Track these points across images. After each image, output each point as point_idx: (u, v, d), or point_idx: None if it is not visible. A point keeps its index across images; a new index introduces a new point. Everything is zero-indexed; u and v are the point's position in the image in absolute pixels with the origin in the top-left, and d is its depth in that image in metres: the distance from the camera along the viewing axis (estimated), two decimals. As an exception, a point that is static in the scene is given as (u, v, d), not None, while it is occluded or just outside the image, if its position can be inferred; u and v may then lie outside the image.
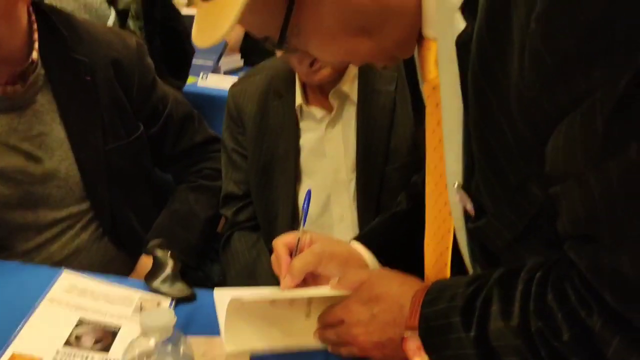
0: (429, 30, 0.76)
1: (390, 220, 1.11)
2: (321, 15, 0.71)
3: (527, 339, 0.63)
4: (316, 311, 0.93)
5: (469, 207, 0.72)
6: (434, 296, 0.75)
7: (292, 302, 0.92)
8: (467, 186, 0.72)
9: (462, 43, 0.65)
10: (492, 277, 0.70)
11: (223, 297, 1.00)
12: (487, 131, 0.65)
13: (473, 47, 0.63)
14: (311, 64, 1.16)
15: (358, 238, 1.05)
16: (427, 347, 0.74)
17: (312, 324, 0.93)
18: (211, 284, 1.54)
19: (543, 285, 0.63)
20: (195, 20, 0.76)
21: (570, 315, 0.59)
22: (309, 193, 1.05)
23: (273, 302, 0.91)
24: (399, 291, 0.82)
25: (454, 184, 0.74)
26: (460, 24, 0.67)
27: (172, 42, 2.10)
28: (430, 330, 0.73)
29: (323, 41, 0.75)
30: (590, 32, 0.51)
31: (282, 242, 0.98)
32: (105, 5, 2.01)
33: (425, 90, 0.83)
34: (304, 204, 1.03)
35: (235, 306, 0.87)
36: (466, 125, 0.69)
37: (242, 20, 0.69)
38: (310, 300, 0.93)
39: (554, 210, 0.61)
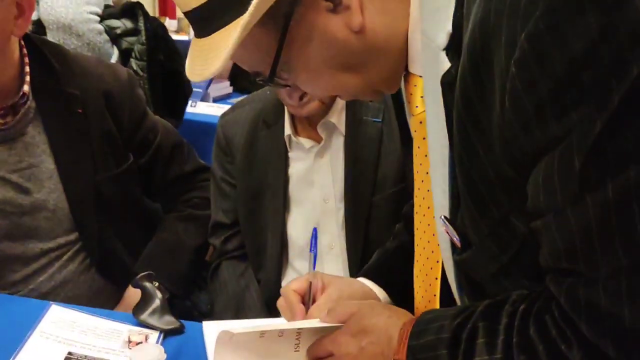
0: (414, 68, 0.79)
1: (393, 254, 1.12)
2: (309, 52, 0.73)
3: None
4: (305, 344, 0.93)
5: (455, 239, 0.74)
6: (421, 328, 0.76)
7: (281, 334, 0.92)
8: (454, 219, 0.73)
9: (447, 83, 0.67)
10: (478, 310, 0.71)
11: (212, 330, 1.00)
12: (471, 167, 0.67)
13: (457, 87, 0.65)
14: (301, 98, 1.19)
15: (365, 274, 1.05)
16: None
17: (301, 356, 0.93)
18: (199, 313, 1.54)
19: (526, 319, 0.65)
20: (189, 55, 0.78)
21: (551, 348, 0.61)
22: (314, 232, 1.05)
23: (262, 335, 0.91)
24: (388, 323, 0.82)
25: (441, 216, 0.76)
26: (445, 64, 0.69)
27: (172, 83, 2.12)
28: None
29: (311, 77, 0.77)
30: (563, 80, 0.54)
31: (292, 289, 0.97)
32: (108, 44, 2.04)
33: (413, 124, 0.85)
34: (310, 245, 1.02)
35: (225, 339, 0.87)
36: (451, 159, 0.71)
37: (234, 56, 0.71)
38: (299, 333, 0.93)
39: (536, 244, 0.63)
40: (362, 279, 1.03)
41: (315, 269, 1.00)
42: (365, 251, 1.33)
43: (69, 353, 0.94)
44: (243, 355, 0.90)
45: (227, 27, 0.70)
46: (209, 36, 0.72)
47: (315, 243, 1.03)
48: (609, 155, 0.54)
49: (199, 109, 2.60)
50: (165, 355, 0.69)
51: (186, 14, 0.74)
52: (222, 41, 0.70)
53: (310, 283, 0.95)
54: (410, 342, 0.75)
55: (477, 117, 0.64)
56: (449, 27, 0.68)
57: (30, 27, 1.92)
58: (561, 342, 0.60)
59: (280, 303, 0.98)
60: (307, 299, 0.95)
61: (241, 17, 0.67)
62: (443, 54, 0.69)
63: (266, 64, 0.74)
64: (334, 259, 1.37)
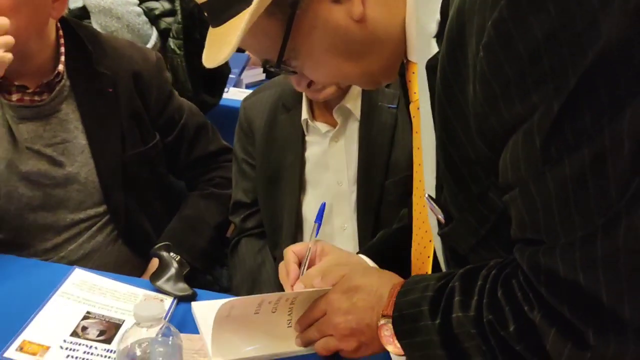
0: (412, 55, 0.83)
1: (393, 234, 1.17)
2: (313, 40, 0.79)
3: (480, 328, 0.69)
4: (297, 319, 0.98)
5: (440, 216, 0.78)
6: (409, 288, 0.81)
7: (274, 310, 0.97)
8: (438, 197, 0.78)
9: (430, 67, 0.72)
10: (459, 272, 0.76)
11: (201, 309, 1.06)
12: (450, 146, 0.71)
13: (438, 70, 0.70)
14: (309, 85, 1.23)
15: (363, 251, 1.11)
16: (399, 334, 0.80)
17: (293, 332, 0.98)
18: (219, 288, 1.61)
19: (495, 282, 0.70)
20: (206, 43, 0.85)
21: (515, 309, 0.66)
22: (323, 205, 1.11)
23: (257, 312, 0.95)
24: (378, 282, 0.88)
25: (426, 195, 0.80)
26: (434, 50, 0.73)
27: None
28: (402, 318, 0.79)
29: (315, 64, 0.83)
30: (525, 63, 0.58)
31: (292, 251, 1.04)
32: (147, 25, 2.11)
33: (412, 110, 0.90)
34: (317, 216, 1.08)
35: (223, 315, 0.92)
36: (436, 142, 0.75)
37: (245, 44, 0.77)
38: (291, 309, 0.98)
39: (510, 218, 0.68)
40: (361, 255, 1.08)
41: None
42: (376, 233, 1.36)
43: (87, 312, 1.02)
44: (238, 331, 0.95)
45: (237, 16, 0.76)
46: (222, 25, 0.79)
47: (321, 215, 1.07)
48: (566, 135, 0.58)
49: (231, 94, 2.67)
50: (165, 311, 0.75)
51: (202, 4, 0.81)
52: (232, 30, 0.76)
53: (310, 248, 1.01)
54: (398, 299, 0.81)
55: (455, 99, 0.68)
56: (438, 15, 0.73)
57: (76, 12, 2.05)
58: (524, 303, 0.65)
59: (280, 264, 1.04)
60: (304, 262, 1.01)
61: (249, 7, 0.73)
62: (434, 41, 0.74)
63: (274, 52, 0.80)
64: (345, 240, 1.42)
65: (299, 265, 1.03)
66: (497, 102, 0.61)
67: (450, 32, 0.67)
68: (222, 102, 2.54)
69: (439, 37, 0.73)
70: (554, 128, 0.58)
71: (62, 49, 1.36)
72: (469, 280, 0.73)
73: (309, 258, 1.02)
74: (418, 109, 0.85)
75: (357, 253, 1.11)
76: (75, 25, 1.40)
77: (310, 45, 0.79)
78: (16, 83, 1.33)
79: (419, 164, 0.91)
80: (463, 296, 0.72)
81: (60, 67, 1.35)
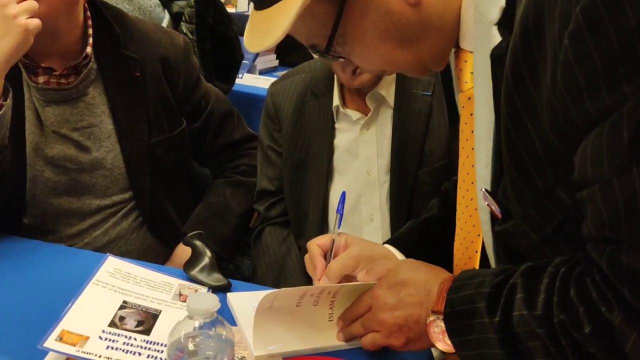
0: (466, 43, 0.80)
1: (421, 225, 1.15)
2: (365, 25, 0.76)
3: (550, 328, 0.67)
4: (338, 312, 0.97)
5: (496, 210, 0.76)
6: (461, 283, 0.79)
7: (316, 303, 0.95)
8: (494, 191, 0.76)
9: (496, 56, 0.69)
10: (520, 269, 0.73)
11: (238, 300, 1.04)
12: (517, 140, 0.69)
13: (507, 60, 0.67)
14: (353, 71, 1.21)
15: (390, 241, 1.09)
16: (451, 331, 0.77)
17: (334, 326, 0.97)
18: (241, 277, 1.59)
19: (566, 281, 0.67)
20: (247, 27, 0.81)
21: (591, 309, 0.63)
22: (343, 195, 1.09)
23: (299, 304, 0.94)
24: (426, 277, 0.86)
25: (482, 189, 0.78)
26: (496, 38, 0.71)
27: (222, 47, 2.16)
28: (455, 315, 0.77)
29: (365, 50, 0.80)
30: (618, 51, 0.56)
31: (316, 244, 1.02)
32: (159, 8, 2.09)
33: (461, 100, 0.87)
34: (338, 206, 1.07)
35: (265, 306, 0.90)
36: (497, 134, 0.73)
37: (291, 29, 0.74)
38: (332, 302, 0.96)
39: (580, 215, 0.65)
40: (387, 246, 1.06)
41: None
42: (409, 224, 1.35)
43: (124, 302, 1.00)
44: (280, 324, 0.94)
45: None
46: (268, 8, 0.76)
47: (343, 205, 1.05)
48: None
49: (245, 80, 2.65)
50: (219, 305, 0.73)
51: None
52: (280, 13, 0.73)
53: (334, 240, 0.99)
54: (450, 295, 0.78)
55: (527, 90, 0.66)
56: (502, 2, 0.70)
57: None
58: (602, 304, 0.63)
59: (306, 257, 1.03)
60: (329, 254, 0.99)
61: None
62: (495, 29, 0.71)
63: (322, 37, 0.77)
64: (373, 231, 1.40)
65: (325, 257, 1.01)
66: (580, 94, 0.59)
67: (526, 19, 0.64)
68: (237, 88, 2.52)
69: (502, 24, 0.71)
70: None
71: (90, 31, 1.33)
72: (534, 278, 0.71)
73: (333, 251, 1.00)
74: (469, 99, 0.83)
75: (384, 244, 1.09)
76: (104, 7, 1.37)
77: (361, 30, 0.76)
78: (43, 65, 1.31)
79: (466, 155, 0.89)
80: (527, 294, 0.70)
81: (88, 49, 1.32)
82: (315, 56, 0.90)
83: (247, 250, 1.64)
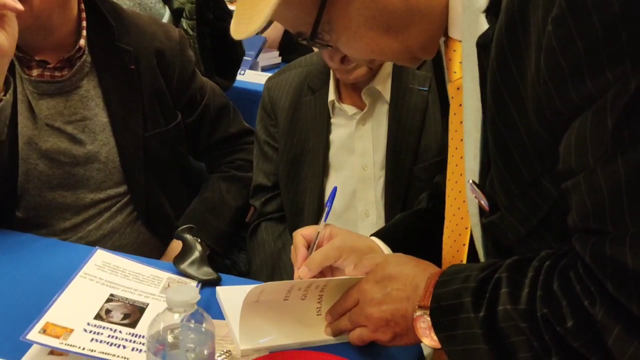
0: (455, 32, 0.79)
1: (408, 217, 1.13)
2: (351, 12, 0.74)
3: (533, 323, 0.65)
4: (326, 307, 0.96)
5: (483, 203, 0.75)
6: (448, 278, 0.77)
7: (304, 297, 0.94)
8: (482, 183, 0.74)
9: (483, 44, 0.68)
10: (505, 263, 0.72)
11: (227, 294, 1.03)
12: (503, 129, 0.67)
13: (493, 48, 0.65)
14: (342, 60, 1.19)
15: (377, 234, 1.07)
16: (437, 326, 0.76)
17: (322, 320, 0.95)
18: (237, 272, 1.58)
19: (550, 274, 0.66)
20: (234, 14, 0.80)
21: (574, 303, 0.62)
22: (334, 190, 1.08)
23: (286, 298, 0.93)
24: (414, 271, 0.84)
25: (469, 180, 0.76)
26: (484, 26, 0.69)
27: (222, 43, 2.15)
28: (441, 310, 0.76)
29: (352, 38, 0.78)
30: (601, 37, 0.54)
31: (301, 234, 1.01)
32: (160, 4, 2.08)
33: (450, 90, 0.85)
34: (328, 199, 1.06)
35: (252, 300, 0.89)
36: (484, 124, 0.71)
37: (276, 15, 0.73)
38: (321, 297, 0.95)
39: (566, 206, 0.64)
40: (374, 239, 1.05)
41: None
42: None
43: (111, 295, 0.99)
44: (267, 318, 0.93)
45: None
46: None
47: (332, 199, 1.05)
48: None
49: (247, 77, 2.64)
50: (199, 297, 0.72)
51: None
52: (264, 0, 0.72)
53: (318, 232, 0.98)
54: (436, 290, 0.77)
55: (512, 78, 0.64)
56: None
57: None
58: (584, 297, 0.61)
59: (292, 247, 1.02)
60: (312, 246, 0.99)
61: None
62: (483, 16, 0.70)
63: (308, 24, 0.76)
64: (368, 226, 1.38)
65: (308, 248, 1.00)
66: (564, 80, 0.57)
67: (511, 5, 0.62)
68: (238, 85, 2.52)
69: (489, 11, 0.69)
70: (629, 108, 0.54)
71: (84, 24, 1.33)
72: (519, 272, 0.69)
73: (317, 242, 1.00)
74: (458, 89, 0.81)
75: (371, 236, 1.07)
76: (98, 0, 1.36)
77: (347, 17, 0.75)
78: (37, 58, 1.30)
79: (455, 147, 0.87)
80: (512, 288, 0.68)
81: (82, 41, 1.32)
82: (304, 44, 0.89)
83: (244, 245, 1.63)
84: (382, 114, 1.35)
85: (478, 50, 0.69)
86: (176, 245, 1.43)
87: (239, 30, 0.77)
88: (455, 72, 0.82)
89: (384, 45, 0.78)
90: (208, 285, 1.09)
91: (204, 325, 0.73)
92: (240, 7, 0.78)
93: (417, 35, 0.77)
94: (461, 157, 0.83)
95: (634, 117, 0.54)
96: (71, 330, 0.89)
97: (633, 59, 0.53)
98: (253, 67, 2.83)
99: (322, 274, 1.00)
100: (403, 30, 0.76)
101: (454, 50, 0.81)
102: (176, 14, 2.11)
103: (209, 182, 1.54)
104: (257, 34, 0.75)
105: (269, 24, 0.74)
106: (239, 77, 2.60)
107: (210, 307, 1.03)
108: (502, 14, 0.64)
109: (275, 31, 3.00)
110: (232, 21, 0.81)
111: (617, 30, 0.53)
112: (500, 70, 0.65)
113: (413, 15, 0.75)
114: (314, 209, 1.42)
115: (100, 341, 0.89)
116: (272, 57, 3.01)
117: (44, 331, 0.87)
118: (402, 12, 0.75)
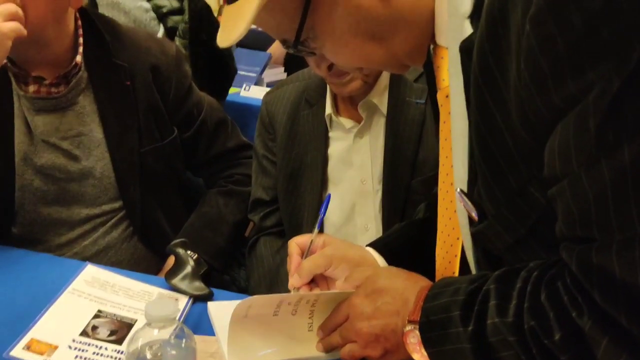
0: (441, 39, 0.77)
1: (405, 228, 1.11)
2: (334, 18, 0.73)
3: (520, 336, 0.63)
4: (318, 322, 0.93)
5: (473, 213, 0.72)
6: (437, 291, 0.75)
7: (294, 312, 0.92)
8: (470, 192, 0.72)
9: (465, 49, 0.66)
10: (494, 274, 0.70)
11: (217, 310, 1.01)
12: (488, 135, 0.65)
13: (474, 52, 0.64)
14: (329, 68, 1.18)
15: (372, 244, 1.05)
16: (426, 341, 0.74)
17: (314, 336, 0.93)
18: (237, 288, 1.56)
19: (538, 285, 0.63)
20: (221, 22, 0.79)
21: (561, 315, 0.60)
22: (328, 197, 1.07)
23: (276, 314, 0.91)
24: (404, 285, 0.82)
25: (458, 189, 0.74)
26: (468, 31, 0.67)
27: (215, 63, 2.16)
28: (430, 324, 0.73)
29: (336, 45, 0.77)
30: (581, 35, 0.52)
31: (295, 243, 1.00)
32: (154, 22, 2.09)
33: (439, 98, 0.84)
34: (321, 207, 1.04)
35: (240, 315, 0.87)
36: (470, 131, 0.69)
37: (260, 21, 0.72)
38: (312, 312, 0.93)
39: (554, 215, 0.61)
40: (369, 249, 1.03)
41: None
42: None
43: (99, 311, 0.98)
44: (256, 333, 0.90)
45: None
46: (237, 2, 0.73)
47: (326, 207, 1.04)
48: (626, 117, 0.51)
49: (252, 92, 2.64)
50: (179, 311, 0.70)
51: None
52: (247, 5, 0.71)
53: (312, 241, 0.98)
54: (425, 304, 0.75)
55: (495, 82, 0.62)
56: None
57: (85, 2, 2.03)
58: (572, 308, 0.59)
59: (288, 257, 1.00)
60: (305, 254, 0.98)
61: None
62: (467, 22, 0.68)
63: (292, 30, 0.75)
64: (368, 241, 1.34)
65: (302, 256, 0.99)
66: (545, 82, 0.55)
67: (492, 7, 0.60)
68: (244, 100, 2.51)
69: (473, 16, 0.67)
70: (613, 109, 0.51)
71: (81, 40, 1.33)
72: (507, 283, 0.67)
73: (309, 250, 0.98)
74: (447, 96, 0.80)
75: (366, 247, 1.05)
76: (95, 16, 1.37)
77: (331, 24, 0.74)
78: (33, 74, 1.30)
79: (445, 156, 0.85)
80: (500, 300, 0.66)
81: (78, 58, 1.32)
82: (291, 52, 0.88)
83: (244, 260, 1.61)
84: (379, 127, 1.34)
85: (461, 56, 0.68)
86: (173, 261, 1.41)
87: (222, 37, 0.76)
88: (443, 80, 0.80)
89: (369, 52, 0.76)
90: (200, 300, 1.07)
91: (184, 341, 0.71)
92: (226, 14, 0.77)
93: (402, 42, 0.76)
94: (452, 166, 0.81)
95: (618, 117, 0.52)
96: (56, 347, 0.88)
97: (616, 57, 0.51)
98: (258, 83, 2.83)
99: (316, 284, 0.98)
100: (388, 37, 0.75)
101: (442, 58, 0.79)
102: (170, 33, 2.12)
103: (206, 197, 1.53)
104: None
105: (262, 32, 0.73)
106: (244, 93, 2.61)
107: (201, 323, 1.01)
108: (483, 16, 0.62)
109: (280, 47, 3.00)
110: (219, 30, 0.80)
111: (598, 28, 0.51)
112: (482, 74, 0.64)
113: (397, 22, 0.74)
114: (313, 223, 1.40)
115: (85, 358, 0.87)
116: (277, 73, 3.02)
117: (28, 347, 0.86)
118: (386, 18, 0.73)
